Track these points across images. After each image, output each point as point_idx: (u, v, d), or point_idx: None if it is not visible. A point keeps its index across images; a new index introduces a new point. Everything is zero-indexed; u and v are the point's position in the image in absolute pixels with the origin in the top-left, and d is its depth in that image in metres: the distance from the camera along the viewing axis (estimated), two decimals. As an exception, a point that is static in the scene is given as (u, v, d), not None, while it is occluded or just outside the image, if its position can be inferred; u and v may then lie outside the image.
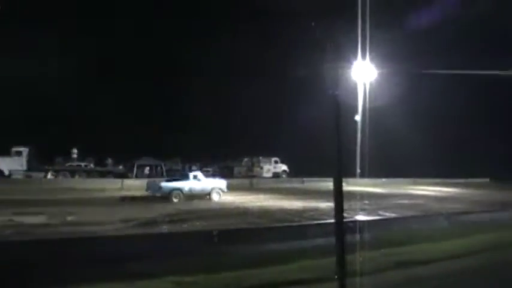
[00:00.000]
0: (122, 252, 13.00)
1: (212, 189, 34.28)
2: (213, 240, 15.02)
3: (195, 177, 34.77)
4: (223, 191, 34.63)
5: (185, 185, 33.49)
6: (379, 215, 24.96)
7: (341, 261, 8.77)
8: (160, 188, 32.90)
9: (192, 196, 32.82)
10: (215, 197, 33.68)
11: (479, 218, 24.67)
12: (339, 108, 8.28)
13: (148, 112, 61.66)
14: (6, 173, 47.26)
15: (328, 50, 7.87)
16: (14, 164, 47.85)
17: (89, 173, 49.45)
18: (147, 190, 34.08)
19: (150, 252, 13.36)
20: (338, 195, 8.52)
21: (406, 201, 34.11)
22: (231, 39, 58.61)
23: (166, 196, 32.07)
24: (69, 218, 21.31)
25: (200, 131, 58.75)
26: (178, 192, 32.72)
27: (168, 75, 61.23)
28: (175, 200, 31.73)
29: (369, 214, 24.95)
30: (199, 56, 60.03)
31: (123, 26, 59.83)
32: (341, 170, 8.38)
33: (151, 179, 38.82)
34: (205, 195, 33.62)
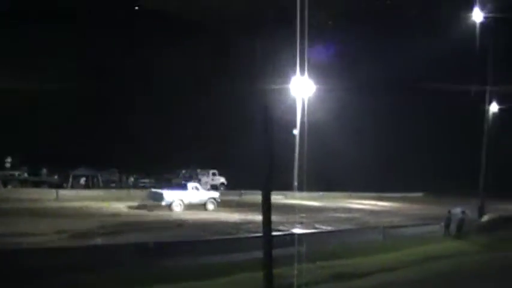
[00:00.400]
0: (52, 264, 12.80)
1: (208, 199, 35.68)
2: (149, 253, 14.93)
3: (194, 188, 36.44)
4: (217, 201, 36.10)
5: (186, 195, 34.81)
6: (315, 228, 25.27)
7: (268, 275, 8.78)
8: (163, 197, 33.54)
9: (190, 206, 33.93)
10: (210, 206, 35.05)
11: (413, 232, 25.44)
12: (269, 123, 8.37)
13: (86, 122, 60.44)
14: None
15: (263, 66, 7.99)
16: None
17: (23, 183, 48.11)
18: (148, 199, 34.92)
19: (82, 264, 13.19)
20: (266, 209, 8.58)
21: (342, 215, 34.66)
22: (170, 53, 58.48)
23: (169, 205, 33.11)
24: None
25: (138, 142, 58.14)
26: (180, 201, 33.69)
27: (105, 86, 60.38)
28: (176, 210, 32.65)
29: (305, 227, 25.25)
30: (134, 66, 59.39)
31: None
32: (269, 184, 8.46)
33: (153, 190, 38.58)
34: (203, 205, 34.90)
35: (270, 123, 8.24)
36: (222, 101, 60.00)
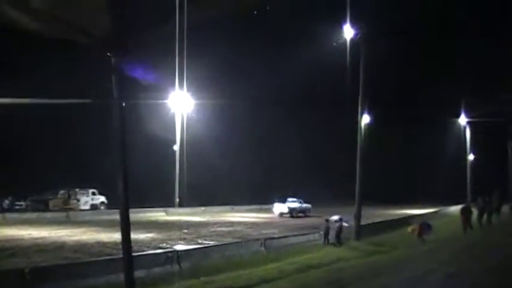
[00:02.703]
0: None
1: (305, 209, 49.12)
2: (25, 279, 14.24)
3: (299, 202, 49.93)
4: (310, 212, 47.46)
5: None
6: (198, 243, 25.20)
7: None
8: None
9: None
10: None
11: (293, 241, 26.05)
12: (124, 144, 8.20)
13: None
14: None
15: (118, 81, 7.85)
16: None
17: None
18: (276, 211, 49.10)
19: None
20: (125, 226, 8.34)
21: (224, 229, 34.82)
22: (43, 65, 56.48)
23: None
24: None
25: (11, 163, 55.67)
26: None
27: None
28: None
29: (188, 243, 25.15)
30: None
31: None
32: (127, 200, 8.25)
33: None
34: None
35: (124, 138, 8.07)
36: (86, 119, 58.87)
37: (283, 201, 50.28)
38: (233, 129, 68.92)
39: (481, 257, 16.58)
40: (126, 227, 8.33)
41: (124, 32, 7.21)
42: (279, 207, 49.78)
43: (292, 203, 49.64)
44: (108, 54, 7.58)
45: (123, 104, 7.88)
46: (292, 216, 46.03)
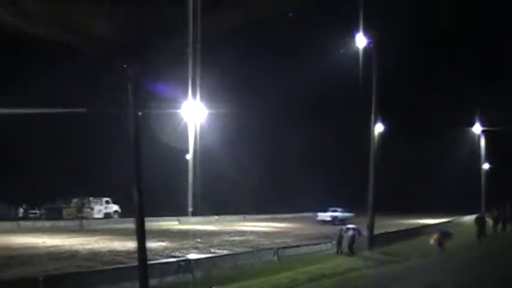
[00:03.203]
0: None
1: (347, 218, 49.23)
2: (38, 287, 14.33)
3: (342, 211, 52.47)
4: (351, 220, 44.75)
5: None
6: (211, 252, 25.23)
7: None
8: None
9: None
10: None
11: (306, 251, 25.98)
12: (139, 153, 8.28)
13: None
14: None
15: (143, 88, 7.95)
16: None
17: None
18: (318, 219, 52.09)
19: None
20: (141, 236, 8.42)
21: (237, 238, 34.80)
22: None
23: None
24: None
25: (25, 171, 55.92)
26: None
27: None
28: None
29: (201, 252, 25.17)
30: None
31: None
32: (143, 209, 8.33)
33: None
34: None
35: (139, 148, 8.15)
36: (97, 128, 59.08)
37: (326, 210, 53.72)
38: (245, 138, 68.91)
39: (494, 267, 16.49)
40: (141, 236, 8.42)
41: (141, 43, 7.30)
42: (322, 216, 53.01)
43: (335, 212, 52.71)
44: (124, 64, 7.67)
45: (139, 113, 7.96)
46: (334, 224, 46.22)
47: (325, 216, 52.30)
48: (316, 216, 54.09)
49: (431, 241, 26.93)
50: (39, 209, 53.54)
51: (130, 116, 7.96)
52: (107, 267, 19.02)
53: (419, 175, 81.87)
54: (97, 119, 56.40)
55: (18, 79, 56.14)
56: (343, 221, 48.73)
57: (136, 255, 22.36)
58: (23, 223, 44.77)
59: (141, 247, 8.36)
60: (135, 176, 8.16)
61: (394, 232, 36.23)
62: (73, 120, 56.91)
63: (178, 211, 53.27)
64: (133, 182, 8.24)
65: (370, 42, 33.62)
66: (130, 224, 46.75)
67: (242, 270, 19.66)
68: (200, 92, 57.09)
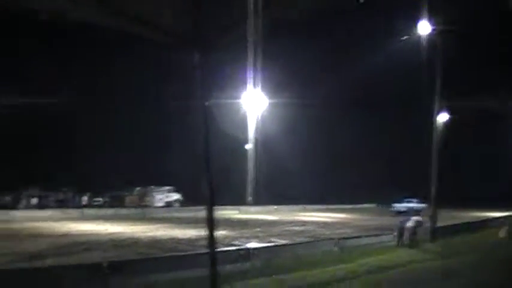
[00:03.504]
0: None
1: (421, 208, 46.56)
2: (102, 273, 14.65)
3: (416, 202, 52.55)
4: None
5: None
6: (270, 242, 25.24)
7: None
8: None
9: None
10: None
11: (366, 242, 25.67)
12: (208, 144, 8.30)
13: (33, 140, 59.03)
14: None
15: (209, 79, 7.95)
16: None
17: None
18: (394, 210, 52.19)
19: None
20: (210, 224, 8.50)
21: (296, 228, 34.78)
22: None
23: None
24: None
25: (87, 162, 57.33)
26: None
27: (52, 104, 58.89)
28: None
29: (260, 241, 25.24)
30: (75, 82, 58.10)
31: None
32: (213, 200, 8.38)
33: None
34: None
35: (209, 139, 8.17)
36: (160, 118, 59.78)
37: (401, 201, 55.17)
38: (306, 128, 68.65)
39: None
40: (211, 225, 8.51)
41: (207, 31, 7.30)
42: (398, 207, 54.23)
43: (410, 203, 54.11)
44: (193, 51, 7.68)
45: (206, 103, 7.99)
46: (409, 215, 46.10)
47: (401, 207, 53.47)
48: (391, 207, 55.09)
49: (501, 235, 26.15)
50: (102, 197, 54.88)
51: (199, 107, 7.99)
52: (168, 254, 19.31)
53: (484, 165, 79.61)
54: (162, 109, 57.24)
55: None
56: (418, 212, 48.28)
57: (197, 243, 22.72)
58: (86, 211, 46.02)
59: (211, 236, 8.46)
60: (205, 166, 8.21)
61: (458, 224, 35.43)
62: (136, 111, 58.06)
63: (238, 201, 53.65)
64: (203, 172, 8.30)
65: (434, 29, 32.78)
66: (190, 213, 47.57)
67: (302, 260, 19.57)
68: (261, 82, 57.10)
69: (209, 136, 8.21)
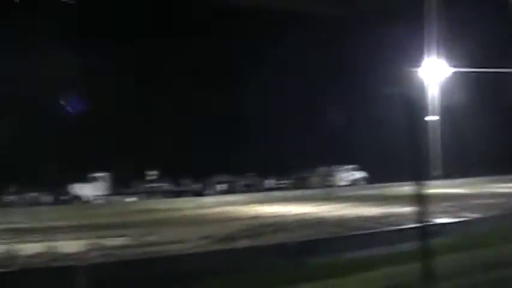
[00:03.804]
0: (199, 269, 13.11)
1: None
2: (290, 253, 14.86)
3: None
4: None
5: None
6: (462, 216, 24.04)
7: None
8: None
9: None
10: None
11: None
12: (411, 109, 7.98)
13: (213, 126, 61.30)
14: (85, 199, 48.78)
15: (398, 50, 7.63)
16: (92, 189, 49.39)
17: (165, 194, 50.38)
18: None
19: (226, 269, 13.39)
20: (420, 199, 8.35)
21: (490, 201, 32.76)
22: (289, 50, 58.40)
23: None
24: (149, 238, 21.44)
25: (270, 144, 58.59)
26: None
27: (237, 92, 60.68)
28: None
29: (451, 216, 24.14)
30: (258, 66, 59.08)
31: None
32: (420, 174, 8.17)
33: None
34: None
35: (412, 110, 7.93)
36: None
37: None
38: (488, 98, 64.63)
39: None
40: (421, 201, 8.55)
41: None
42: None
43: None
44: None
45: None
46: None
47: None
48: None
49: None
50: (287, 180, 56.21)
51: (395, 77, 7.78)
52: (355, 232, 19.14)
53: None
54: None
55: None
56: None
57: (383, 220, 22.36)
58: (272, 193, 47.31)
59: (420, 212, 8.50)
60: (412, 142, 8.09)
61: None
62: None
63: (421, 175, 51.90)
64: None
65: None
66: (377, 191, 46.88)
67: (498, 234, 18.37)
68: (444, 50, 55.00)
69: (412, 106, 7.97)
